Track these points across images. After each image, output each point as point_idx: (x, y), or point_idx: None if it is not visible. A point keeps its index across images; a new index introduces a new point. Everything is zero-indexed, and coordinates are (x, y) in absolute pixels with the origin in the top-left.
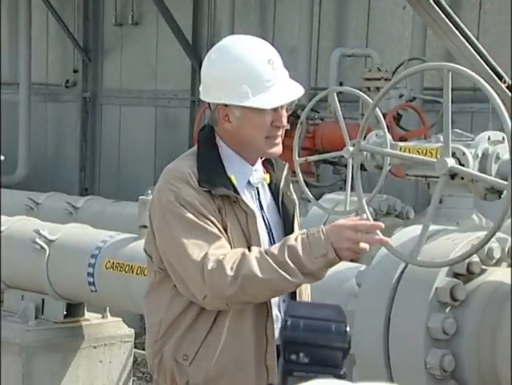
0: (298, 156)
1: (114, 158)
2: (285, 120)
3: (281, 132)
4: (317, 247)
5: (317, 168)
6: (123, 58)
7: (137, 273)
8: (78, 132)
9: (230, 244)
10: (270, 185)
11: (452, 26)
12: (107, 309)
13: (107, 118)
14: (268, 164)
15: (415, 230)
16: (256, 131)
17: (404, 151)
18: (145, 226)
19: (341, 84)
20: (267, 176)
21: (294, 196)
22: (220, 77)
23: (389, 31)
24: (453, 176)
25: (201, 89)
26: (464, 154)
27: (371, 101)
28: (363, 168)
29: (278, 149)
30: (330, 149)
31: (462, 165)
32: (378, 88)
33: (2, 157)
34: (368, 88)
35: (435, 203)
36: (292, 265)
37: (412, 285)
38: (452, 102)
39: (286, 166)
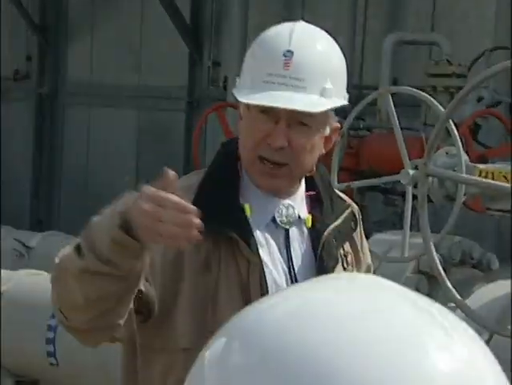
0: (338, 181)
1: (80, 179)
2: (281, 142)
3: (281, 161)
4: (109, 218)
5: (362, 197)
6: (95, 43)
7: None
8: (30, 142)
9: (217, 300)
10: (311, 231)
11: None
12: None
13: (71, 123)
14: (316, 202)
15: (502, 287)
16: (246, 138)
17: (486, 176)
18: None
19: (395, 82)
20: (308, 218)
21: (368, 259)
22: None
23: (464, 11)
24: None
25: None
26: None
27: (441, 108)
28: (428, 198)
29: (267, 182)
30: (379, 171)
31: None
32: (447, 88)
33: None
34: (434, 88)
35: None
36: (84, 240)
37: (500, 365)
38: None
39: (349, 210)
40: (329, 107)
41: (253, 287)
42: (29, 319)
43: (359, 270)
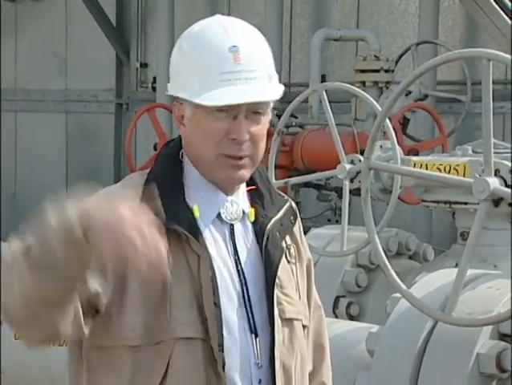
0: (276, 178)
1: (7, 185)
2: (245, 135)
3: (244, 153)
4: (63, 219)
5: (296, 194)
6: (19, 46)
7: (60, 345)
8: None
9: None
10: (254, 224)
11: None
12: None
13: None
14: (256, 197)
15: (443, 276)
16: (203, 139)
17: (420, 168)
18: None
19: (323, 79)
20: (251, 212)
21: (308, 253)
22: (176, 65)
23: (388, 6)
24: (497, 201)
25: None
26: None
27: (377, 105)
28: (357, 192)
29: (233, 174)
30: (313, 167)
31: (509, 186)
32: (377, 83)
33: None
34: (363, 83)
35: (473, 239)
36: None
37: (445, 352)
38: (473, 100)
39: (288, 204)
40: (282, 89)
41: (204, 281)
42: None
43: (301, 263)
